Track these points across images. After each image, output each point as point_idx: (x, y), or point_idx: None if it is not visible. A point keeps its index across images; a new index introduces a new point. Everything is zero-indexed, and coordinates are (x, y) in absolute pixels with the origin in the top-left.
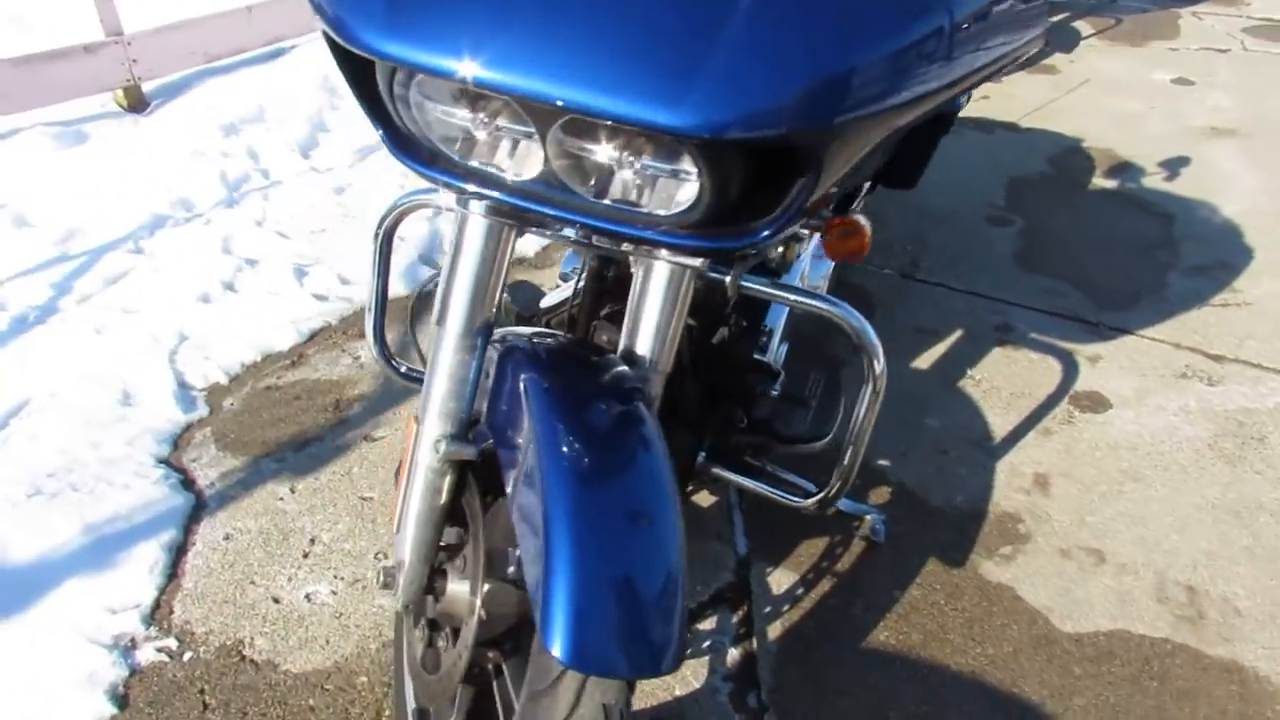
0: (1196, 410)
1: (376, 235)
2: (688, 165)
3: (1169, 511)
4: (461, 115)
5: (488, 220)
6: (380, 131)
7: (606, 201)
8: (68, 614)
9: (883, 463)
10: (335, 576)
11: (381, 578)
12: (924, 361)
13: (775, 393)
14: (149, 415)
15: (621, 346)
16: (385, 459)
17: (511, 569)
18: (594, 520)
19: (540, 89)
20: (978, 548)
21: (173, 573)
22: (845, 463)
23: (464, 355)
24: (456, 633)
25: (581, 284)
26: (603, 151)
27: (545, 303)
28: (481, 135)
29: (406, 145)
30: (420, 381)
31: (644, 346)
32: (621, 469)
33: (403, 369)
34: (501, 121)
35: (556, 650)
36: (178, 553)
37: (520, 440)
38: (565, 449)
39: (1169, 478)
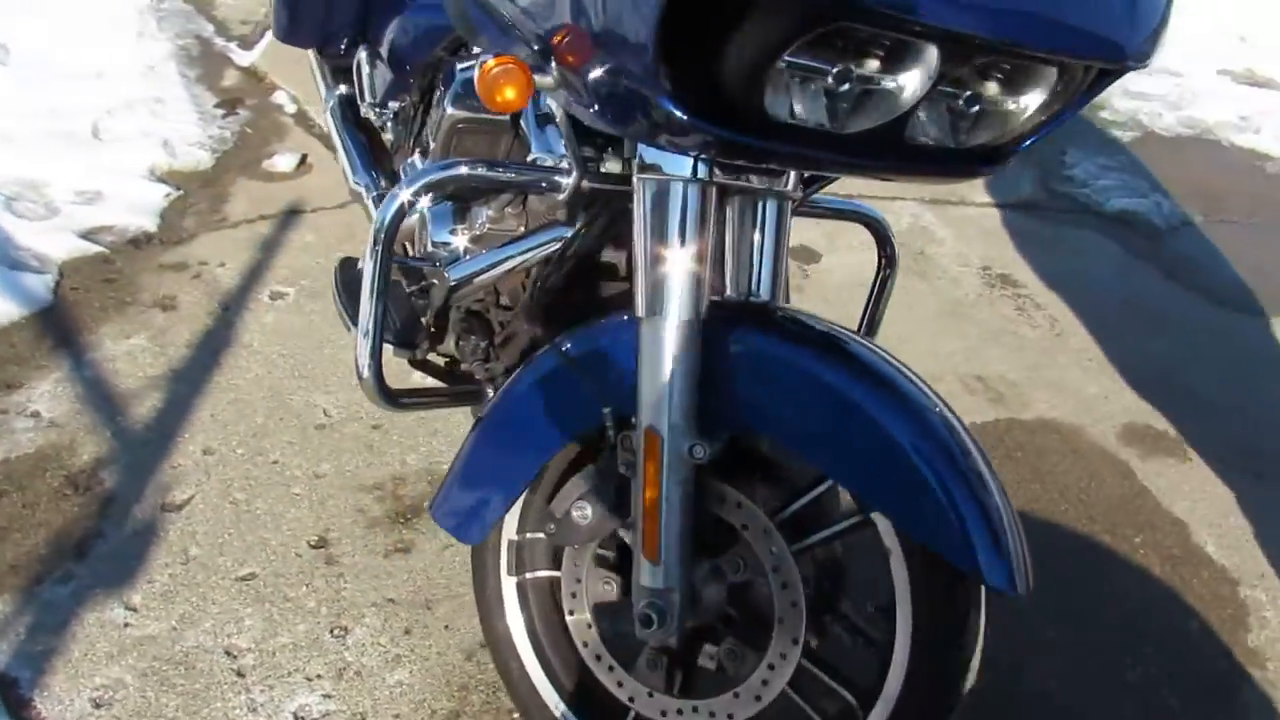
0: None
1: (377, 234)
2: (1037, 96)
3: (919, 327)
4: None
5: (701, 188)
6: (669, 94)
7: (936, 142)
8: None
9: None
10: None
11: (647, 618)
12: None
13: None
14: None
15: (739, 288)
16: None
17: None
18: (959, 453)
19: (1015, 33)
20: None
21: None
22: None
23: (693, 347)
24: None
25: (576, 241)
26: (984, 91)
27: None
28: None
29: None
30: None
31: (766, 286)
32: (927, 399)
33: (403, 400)
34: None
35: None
36: None
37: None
38: (898, 389)
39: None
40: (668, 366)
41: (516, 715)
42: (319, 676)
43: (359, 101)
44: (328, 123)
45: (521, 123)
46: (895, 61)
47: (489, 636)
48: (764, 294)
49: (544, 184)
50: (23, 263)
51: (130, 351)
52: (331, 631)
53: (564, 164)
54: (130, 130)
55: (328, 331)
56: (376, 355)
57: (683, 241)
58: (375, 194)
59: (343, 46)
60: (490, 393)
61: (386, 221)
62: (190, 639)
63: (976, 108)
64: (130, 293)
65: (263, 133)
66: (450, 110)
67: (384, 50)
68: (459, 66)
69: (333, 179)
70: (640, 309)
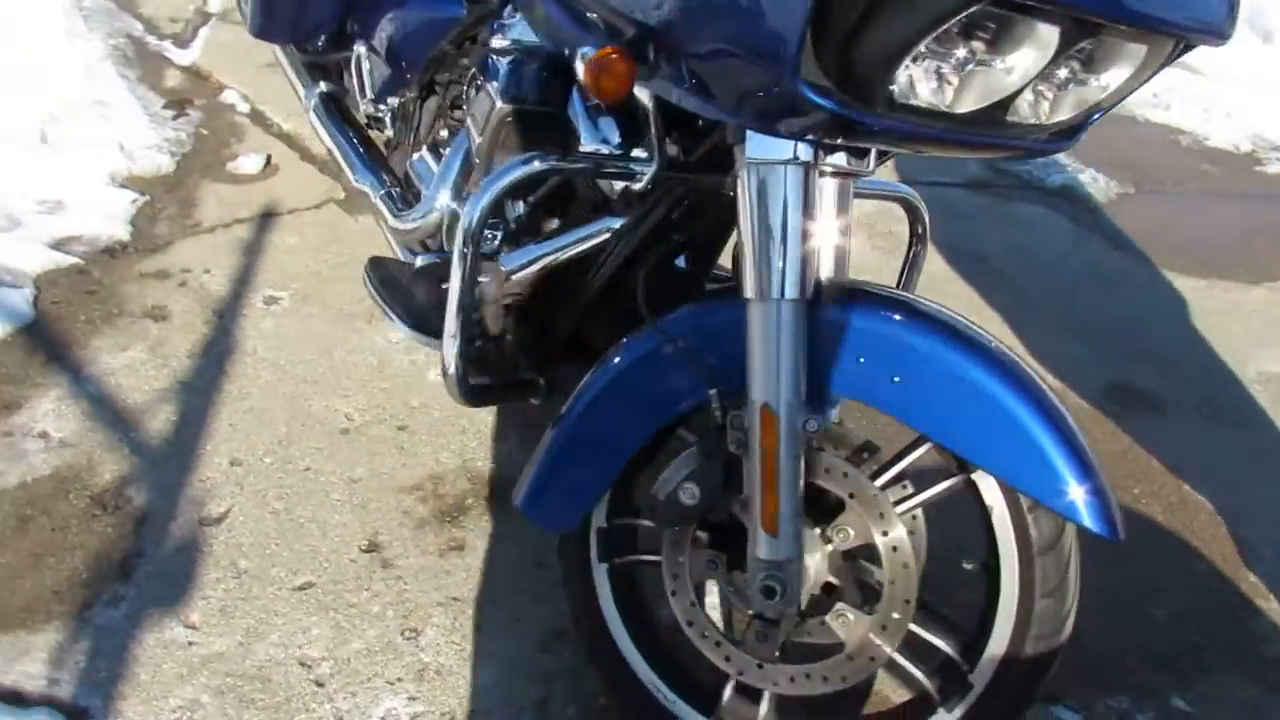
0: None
1: (467, 236)
2: (1120, 72)
3: None
4: (957, 52)
5: (804, 171)
6: (809, 81)
7: (1022, 119)
8: None
9: None
10: None
11: (769, 589)
12: None
13: None
14: None
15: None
16: None
17: None
18: (1052, 408)
19: (1138, 13)
20: None
21: None
22: None
23: (803, 326)
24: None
25: (635, 229)
26: (1075, 68)
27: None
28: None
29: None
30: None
31: (844, 263)
32: (1014, 360)
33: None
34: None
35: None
36: None
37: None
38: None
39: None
40: (781, 345)
41: (601, 700)
42: (400, 680)
43: (358, 98)
44: (313, 121)
45: (570, 112)
46: (1012, 41)
47: (580, 623)
48: (843, 270)
49: (625, 173)
50: None
51: (130, 364)
52: (403, 634)
53: (640, 153)
54: (79, 135)
55: (331, 335)
56: (464, 355)
57: (789, 224)
58: (383, 191)
59: (320, 43)
60: (542, 383)
61: (475, 222)
62: (260, 653)
63: (1070, 85)
64: (116, 304)
65: (219, 134)
66: (500, 103)
67: (378, 46)
68: (503, 59)
69: (301, 179)
70: (749, 290)
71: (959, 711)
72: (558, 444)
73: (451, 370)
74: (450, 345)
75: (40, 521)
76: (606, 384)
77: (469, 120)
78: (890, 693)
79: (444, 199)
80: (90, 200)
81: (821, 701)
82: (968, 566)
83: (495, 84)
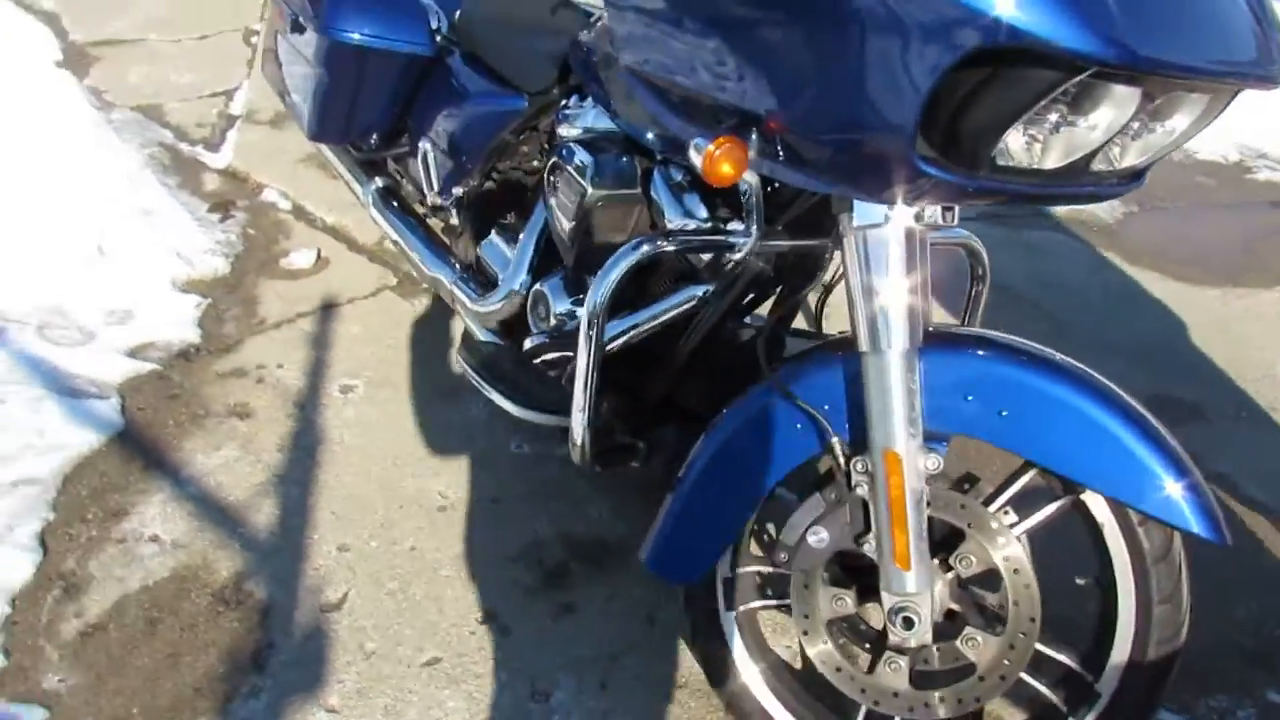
0: None
1: (592, 319)
2: (1184, 119)
3: None
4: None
5: (905, 232)
6: (924, 156)
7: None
8: None
9: None
10: None
11: (908, 620)
12: None
13: None
14: None
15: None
16: None
17: None
18: (1152, 427)
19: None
20: None
21: None
22: None
23: (915, 373)
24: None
25: (730, 289)
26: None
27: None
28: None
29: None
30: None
31: (930, 309)
32: (1110, 387)
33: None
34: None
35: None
36: None
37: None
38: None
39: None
40: (898, 392)
41: None
42: None
43: (425, 189)
44: (374, 215)
45: (653, 193)
46: (1096, 102)
47: (711, 670)
48: (930, 316)
49: (724, 245)
50: (80, 390)
51: (225, 463)
52: (533, 698)
53: (735, 225)
54: (134, 244)
55: (410, 417)
56: (592, 428)
57: (895, 280)
58: (456, 278)
59: (374, 140)
60: (641, 447)
61: (599, 304)
62: None
63: (1142, 133)
64: (200, 405)
65: (266, 232)
66: (591, 190)
67: (438, 140)
68: (584, 147)
69: (354, 269)
70: (864, 344)
71: None
72: (680, 504)
73: (580, 441)
74: (579, 419)
75: (169, 622)
76: (724, 443)
77: (553, 207)
78: (1002, 712)
79: (523, 281)
80: (157, 307)
81: None
82: (1081, 582)
83: (581, 171)
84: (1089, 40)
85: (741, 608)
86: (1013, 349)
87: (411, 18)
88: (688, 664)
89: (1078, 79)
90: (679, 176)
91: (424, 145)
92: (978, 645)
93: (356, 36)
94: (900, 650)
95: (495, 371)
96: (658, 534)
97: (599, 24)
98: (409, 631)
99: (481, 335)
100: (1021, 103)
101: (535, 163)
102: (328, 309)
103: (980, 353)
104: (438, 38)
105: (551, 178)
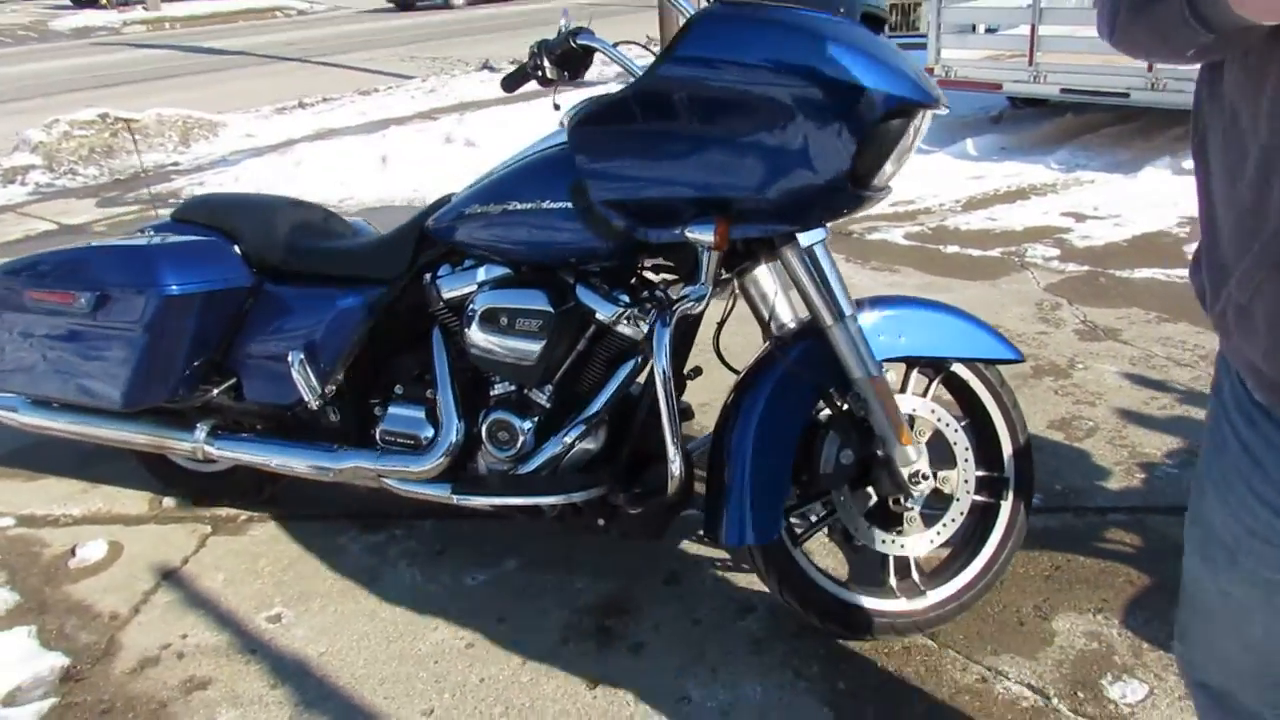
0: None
1: (660, 366)
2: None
3: None
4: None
5: (825, 242)
6: (853, 186)
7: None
8: None
9: None
10: None
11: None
12: None
13: None
14: None
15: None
16: None
17: None
18: None
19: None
20: None
21: None
22: None
23: (857, 323)
24: None
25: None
26: None
27: None
28: None
29: None
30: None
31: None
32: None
33: None
34: None
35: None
36: None
37: None
38: None
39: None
40: (859, 341)
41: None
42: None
43: (307, 398)
44: (215, 454)
45: (581, 297)
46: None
47: (790, 588)
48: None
49: (687, 306)
50: None
51: None
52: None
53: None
54: None
55: (351, 604)
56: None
57: (833, 272)
58: (378, 458)
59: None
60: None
61: (666, 369)
62: None
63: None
64: (140, 701)
65: (23, 554)
66: (550, 313)
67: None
68: (504, 293)
69: (156, 538)
70: (827, 320)
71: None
72: (738, 478)
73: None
74: (676, 461)
75: None
76: (758, 419)
77: (491, 349)
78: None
79: (457, 428)
80: None
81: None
82: (964, 422)
83: (518, 310)
84: (916, 91)
85: (803, 541)
86: (891, 300)
87: (222, 259)
88: None
89: (911, 117)
90: (593, 277)
91: (287, 361)
92: (949, 480)
93: (176, 288)
94: (908, 507)
95: (507, 485)
96: (728, 515)
97: (445, 208)
98: None
99: (415, 491)
100: (896, 138)
101: (409, 333)
102: (169, 576)
103: (881, 307)
104: (251, 271)
105: (474, 329)
